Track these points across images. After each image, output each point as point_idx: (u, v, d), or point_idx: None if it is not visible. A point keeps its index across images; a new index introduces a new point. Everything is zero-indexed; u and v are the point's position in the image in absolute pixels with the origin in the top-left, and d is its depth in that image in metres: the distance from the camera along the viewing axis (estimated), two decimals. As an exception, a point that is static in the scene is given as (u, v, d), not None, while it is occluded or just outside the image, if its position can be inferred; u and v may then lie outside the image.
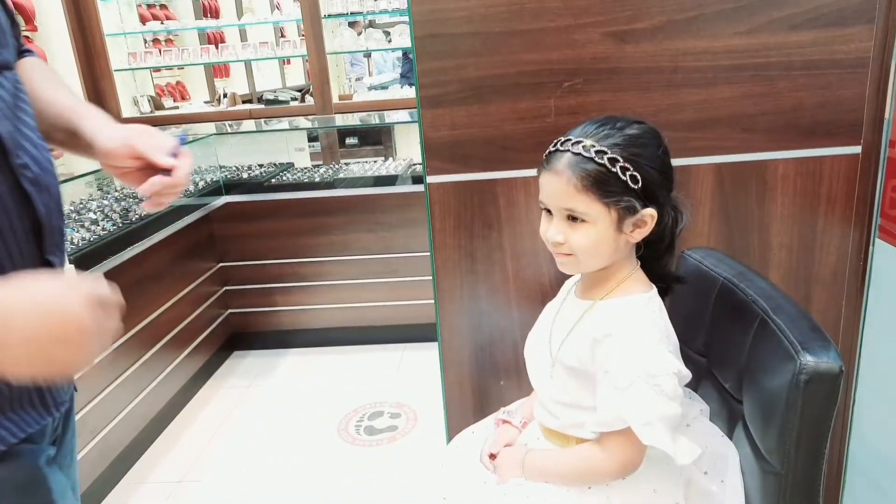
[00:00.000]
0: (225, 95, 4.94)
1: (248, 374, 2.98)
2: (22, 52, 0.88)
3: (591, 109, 1.34)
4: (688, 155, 1.36)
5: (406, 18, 1.37)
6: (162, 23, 4.78)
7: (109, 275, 2.14)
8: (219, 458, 2.36)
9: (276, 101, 4.81)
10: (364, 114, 4.28)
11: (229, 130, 3.79)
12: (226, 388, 2.86)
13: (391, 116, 4.00)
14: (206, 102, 5.16)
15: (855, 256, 1.41)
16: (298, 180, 3.03)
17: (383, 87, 5.49)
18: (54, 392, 0.77)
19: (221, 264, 3.02)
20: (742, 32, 1.29)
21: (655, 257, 1.05)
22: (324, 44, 4.18)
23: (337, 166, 3.37)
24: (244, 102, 5.08)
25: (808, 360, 0.87)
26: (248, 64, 5.43)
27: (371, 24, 5.77)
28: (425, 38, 1.33)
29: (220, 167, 3.23)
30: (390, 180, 2.94)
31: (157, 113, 4.63)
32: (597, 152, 0.94)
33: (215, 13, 5.21)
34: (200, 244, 2.89)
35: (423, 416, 2.53)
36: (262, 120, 4.18)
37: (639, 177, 0.94)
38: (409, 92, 4.52)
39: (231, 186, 2.98)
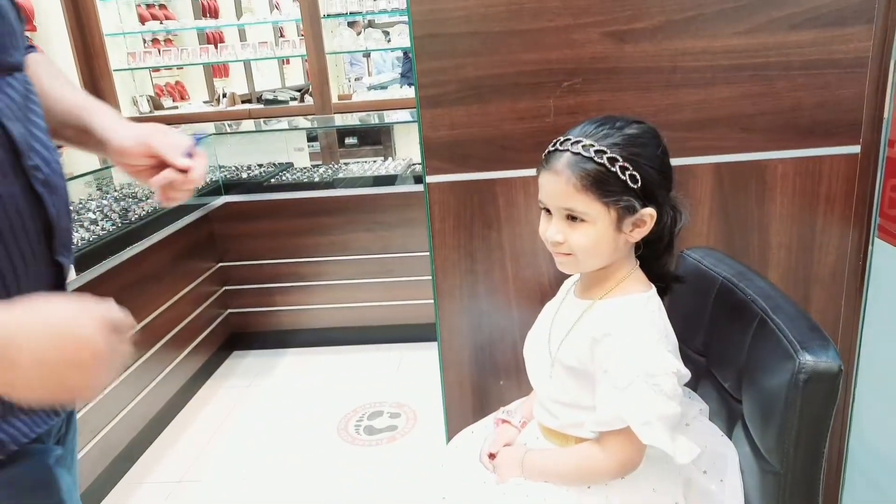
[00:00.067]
0: (224, 95, 4.95)
1: (247, 373, 2.98)
2: (26, 49, 0.88)
3: (590, 109, 1.34)
4: (687, 155, 1.36)
5: (405, 18, 1.37)
6: (161, 23, 4.78)
7: (109, 275, 2.14)
8: (218, 457, 2.36)
9: (275, 101, 4.82)
10: (363, 114, 4.28)
11: (228, 130, 3.79)
12: (225, 388, 2.86)
13: (390, 116, 4.00)
14: (205, 102, 5.17)
15: (854, 256, 1.41)
16: (298, 180, 3.03)
17: (382, 86, 5.49)
18: None
19: (221, 264, 3.02)
20: (741, 32, 1.29)
21: (654, 257, 1.05)
22: (323, 44, 4.18)
23: (336, 166, 3.38)
24: (243, 102, 5.09)
25: (807, 359, 0.87)
26: (247, 64, 5.43)
27: (370, 24, 5.77)
28: (424, 37, 1.33)
29: (220, 167, 3.22)
30: (390, 180, 2.94)
31: (157, 113, 4.63)
32: (596, 152, 0.94)
33: (214, 13, 5.21)
34: (200, 244, 2.89)
35: (423, 415, 2.53)
36: (262, 120, 4.18)
37: (638, 176, 0.94)
38: (409, 92, 4.53)
39: (230, 186, 2.98)
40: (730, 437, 1.07)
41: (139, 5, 4.72)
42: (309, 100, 4.51)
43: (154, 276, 2.51)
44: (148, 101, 4.66)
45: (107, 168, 2.91)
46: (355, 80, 5.84)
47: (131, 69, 4.55)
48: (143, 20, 4.69)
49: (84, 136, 0.86)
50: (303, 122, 4.09)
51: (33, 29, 3.77)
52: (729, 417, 1.10)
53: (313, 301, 3.05)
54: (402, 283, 2.98)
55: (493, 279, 1.48)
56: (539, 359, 1.11)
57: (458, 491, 1.12)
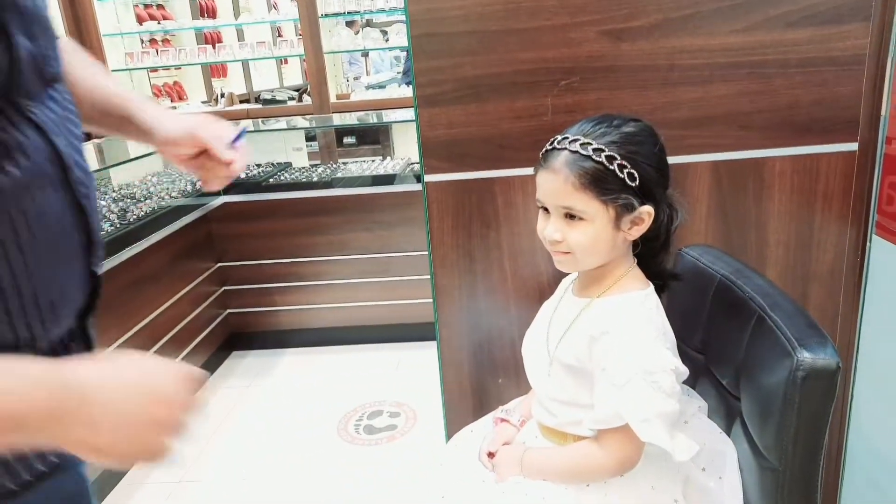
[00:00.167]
0: (222, 95, 4.94)
1: (247, 373, 2.98)
2: None
3: (587, 108, 1.34)
4: (684, 153, 1.36)
5: (403, 17, 1.37)
6: (159, 23, 4.77)
7: (108, 275, 2.12)
8: (218, 457, 2.36)
9: (273, 101, 4.82)
10: (362, 113, 4.28)
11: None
12: (225, 388, 2.86)
13: (389, 116, 4.00)
14: (203, 102, 5.16)
15: (852, 253, 1.42)
16: (296, 180, 3.03)
17: (381, 86, 5.49)
18: None
19: (220, 264, 3.02)
20: (738, 30, 1.29)
21: (652, 255, 1.05)
22: (321, 43, 4.18)
23: (335, 166, 3.37)
24: (241, 102, 5.08)
25: (806, 356, 0.88)
26: (245, 64, 5.42)
27: (368, 24, 5.77)
28: (422, 37, 1.33)
29: (218, 167, 3.22)
30: (388, 180, 2.94)
31: (155, 113, 4.62)
32: (594, 150, 0.94)
33: (212, 13, 5.20)
34: (199, 244, 2.89)
35: (423, 415, 2.53)
36: (260, 120, 4.17)
37: (636, 174, 0.95)
38: (407, 91, 4.52)
39: (229, 186, 2.98)
40: (728, 435, 1.07)
41: (137, 5, 4.72)
42: (307, 99, 4.51)
43: (153, 277, 2.51)
44: (146, 101, 4.64)
45: (105, 168, 2.91)
46: (354, 79, 5.84)
47: (129, 69, 4.55)
48: (140, 20, 4.68)
49: (126, 125, 0.88)
50: (301, 121, 4.09)
51: (31, 30, 3.76)
52: (727, 415, 1.10)
53: (312, 301, 3.05)
54: (401, 283, 2.98)
55: (492, 278, 1.48)
56: (537, 357, 1.11)
57: (458, 490, 1.12)
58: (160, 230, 2.49)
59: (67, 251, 0.64)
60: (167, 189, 2.85)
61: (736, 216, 1.41)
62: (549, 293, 1.21)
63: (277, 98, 4.85)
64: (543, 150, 1.01)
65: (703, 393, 1.16)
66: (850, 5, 1.26)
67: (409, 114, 3.57)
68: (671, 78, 1.32)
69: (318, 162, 3.83)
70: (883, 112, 1.31)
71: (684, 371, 1.01)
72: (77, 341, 0.68)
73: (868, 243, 1.38)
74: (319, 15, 4.19)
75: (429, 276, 1.50)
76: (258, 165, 3.33)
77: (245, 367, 3.05)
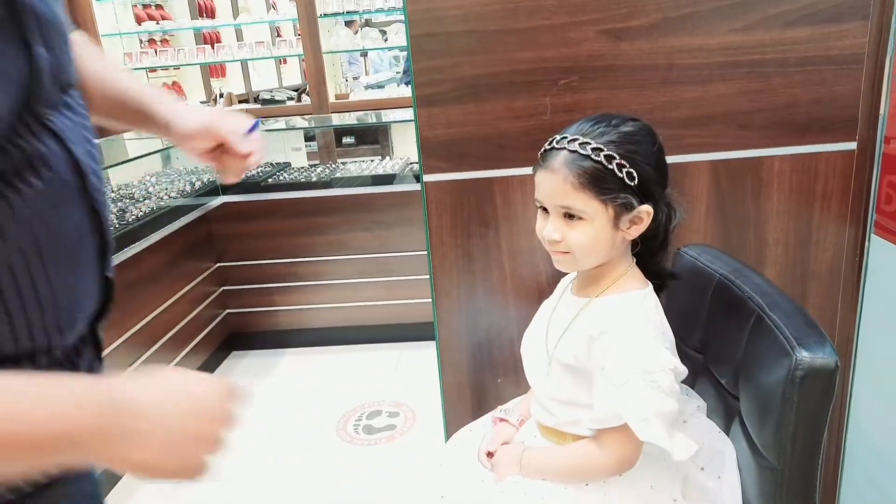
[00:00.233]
0: (221, 95, 4.94)
1: (246, 373, 2.98)
2: None
3: (586, 107, 1.34)
4: (683, 152, 1.36)
5: (402, 17, 1.37)
6: (157, 23, 4.77)
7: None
8: (218, 457, 2.36)
9: (272, 101, 4.82)
10: (361, 113, 4.28)
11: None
12: (224, 389, 2.85)
13: (388, 115, 4.00)
14: (202, 102, 5.17)
15: (851, 252, 1.42)
16: (295, 180, 3.03)
17: (380, 85, 5.49)
18: None
19: (219, 264, 3.01)
20: (737, 29, 1.29)
21: (650, 254, 1.05)
22: (320, 43, 4.18)
23: (334, 166, 3.37)
24: (240, 102, 5.09)
25: (804, 355, 0.88)
26: (244, 64, 5.42)
27: (367, 23, 5.77)
28: (421, 36, 1.33)
29: (217, 167, 3.22)
30: (387, 179, 2.94)
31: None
32: (593, 149, 0.94)
33: (211, 13, 5.20)
34: (198, 244, 2.89)
35: (422, 414, 2.53)
36: (259, 120, 4.17)
37: (635, 173, 0.95)
38: (406, 91, 4.53)
39: (228, 186, 2.98)
40: (727, 434, 1.07)
41: (135, 5, 4.71)
42: (306, 99, 4.50)
43: (152, 277, 2.51)
44: (145, 101, 4.64)
45: (104, 169, 2.90)
46: (353, 79, 5.84)
47: (128, 70, 4.54)
48: (139, 20, 4.68)
49: (142, 119, 0.89)
50: (300, 121, 4.09)
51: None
52: (726, 414, 1.10)
53: (312, 301, 3.05)
54: (400, 283, 2.98)
55: (491, 278, 1.48)
56: (536, 357, 1.11)
57: (457, 490, 1.12)
58: (159, 230, 2.49)
59: (84, 258, 0.64)
60: (166, 189, 2.85)
61: (735, 215, 1.41)
62: (548, 293, 1.21)
63: (276, 98, 4.85)
64: (542, 149, 1.01)
65: (701, 392, 1.16)
66: (849, 4, 1.27)
67: (408, 113, 3.57)
68: (670, 77, 1.33)
69: (317, 162, 3.83)
70: (881, 111, 1.31)
71: (683, 370, 1.01)
72: (88, 345, 0.68)
73: (867, 242, 1.38)
74: (318, 15, 4.18)
75: (428, 276, 1.50)
76: (257, 165, 3.32)
77: (244, 367, 3.05)
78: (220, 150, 0.91)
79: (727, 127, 1.35)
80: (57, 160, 0.57)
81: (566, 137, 0.97)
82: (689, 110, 1.34)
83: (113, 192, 2.83)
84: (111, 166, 2.90)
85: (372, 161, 3.37)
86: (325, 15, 4.37)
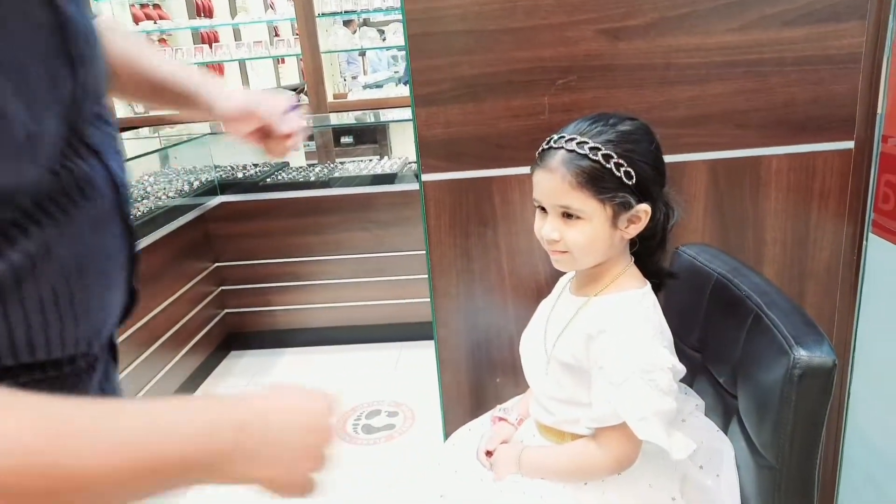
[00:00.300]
0: (219, 95, 4.92)
1: (245, 373, 2.98)
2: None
3: (584, 106, 1.35)
4: (681, 151, 1.36)
5: (400, 16, 1.37)
6: (155, 22, 4.77)
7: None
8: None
9: (270, 101, 4.79)
10: (359, 112, 4.28)
11: (224, 130, 3.78)
12: (223, 388, 2.86)
13: (386, 115, 4.00)
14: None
15: (849, 251, 1.42)
16: (294, 179, 3.03)
17: (378, 85, 5.49)
18: None
19: (217, 264, 3.01)
20: (734, 29, 1.29)
21: (648, 253, 1.05)
22: (318, 43, 4.18)
23: (332, 165, 3.37)
24: (239, 102, 5.06)
25: (802, 354, 0.88)
26: (242, 63, 5.42)
27: (365, 23, 5.77)
28: (419, 36, 1.33)
29: (215, 167, 3.22)
30: (386, 179, 2.94)
31: (152, 113, 4.62)
32: (590, 149, 0.94)
33: (209, 13, 5.20)
34: (196, 244, 2.89)
35: (421, 414, 2.53)
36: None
37: (633, 173, 0.95)
38: (404, 90, 4.52)
39: (226, 186, 2.98)
40: (725, 433, 1.07)
41: (133, 5, 4.71)
42: (304, 99, 4.50)
43: (150, 277, 2.51)
44: (143, 101, 4.64)
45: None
46: (351, 78, 5.84)
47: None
48: (136, 20, 4.68)
49: (182, 101, 0.92)
50: (298, 121, 4.07)
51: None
52: (724, 413, 1.10)
53: (310, 300, 3.05)
54: (399, 282, 2.98)
55: (489, 277, 1.49)
56: (535, 356, 1.11)
57: (456, 489, 1.12)
58: (157, 230, 2.49)
59: (117, 272, 0.63)
60: (164, 189, 2.84)
61: (733, 214, 1.42)
62: (546, 292, 1.21)
63: (274, 98, 4.82)
64: (540, 149, 1.01)
65: (700, 391, 1.17)
66: (847, 4, 1.27)
67: (407, 113, 3.57)
68: (668, 77, 1.33)
69: (316, 161, 3.83)
70: (879, 110, 1.31)
71: (681, 369, 1.01)
72: (104, 351, 0.68)
73: (864, 241, 1.38)
74: (316, 14, 4.18)
75: (426, 276, 1.50)
76: (255, 165, 3.33)
77: (243, 366, 3.05)
78: (263, 131, 0.94)
79: (725, 126, 1.35)
80: (99, 179, 0.57)
81: (564, 137, 0.97)
82: (687, 110, 1.34)
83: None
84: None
85: (370, 161, 3.37)
86: (323, 14, 4.37)
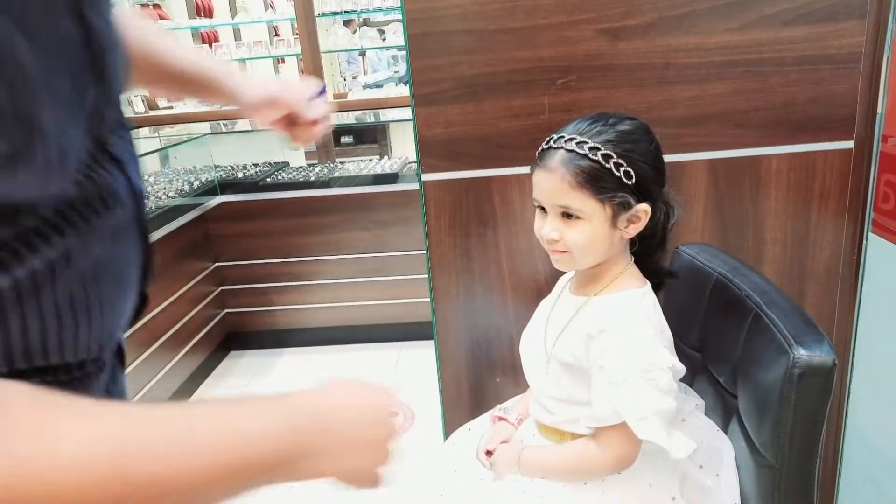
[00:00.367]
0: (219, 95, 4.92)
1: (245, 373, 2.98)
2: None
3: (584, 106, 1.35)
4: (681, 151, 1.36)
5: (400, 16, 1.37)
6: (155, 22, 4.76)
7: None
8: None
9: (270, 101, 4.79)
10: (359, 112, 4.28)
11: (224, 130, 3.78)
12: (223, 388, 2.86)
13: (386, 115, 4.00)
14: (200, 102, 5.15)
15: (848, 251, 1.42)
16: (293, 179, 3.03)
17: (378, 85, 5.49)
18: None
19: (217, 264, 3.01)
20: (734, 28, 1.29)
21: (648, 253, 1.05)
22: (318, 42, 4.18)
23: (332, 165, 3.37)
24: (239, 102, 5.05)
25: (802, 353, 0.88)
26: (242, 63, 5.41)
27: (365, 23, 5.76)
28: (419, 35, 1.33)
29: (215, 167, 3.22)
30: (386, 179, 2.94)
31: (152, 113, 4.62)
32: (590, 149, 0.94)
33: (209, 12, 5.20)
34: (196, 244, 2.89)
35: (421, 414, 2.53)
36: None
37: (632, 172, 0.95)
38: (404, 90, 4.52)
39: (226, 186, 2.98)
40: (725, 432, 1.07)
41: (133, 5, 4.71)
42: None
43: (150, 277, 2.50)
44: (143, 100, 4.64)
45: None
46: (351, 78, 5.84)
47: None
48: (137, 20, 4.67)
49: (205, 91, 0.92)
50: (298, 121, 4.07)
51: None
52: (724, 412, 1.10)
53: (310, 300, 3.05)
54: (399, 282, 2.98)
55: (489, 277, 1.49)
56: (535, 355, 1.11)
57: (456, 488, 1.12)
58: (157, 230, 2.49)
59: (131, 279, 0.64)
60: (164, 189, 2.84)
61: (732, 214, 1.42)
62: (546, 291, 1.21)
63: (274, 97, 4.82)
64: (539, 149, 1.01)
65: (700, 391, 1.17)
66: (846, 3, 1.27)
67: (407, 113, 3.57)
68: (667, 76, 1.33)
69: (316, 161, 3.83)
70: (879, 110, 1.31)
71: (681, 369, 1.01)
72: (114, 355, 0.68)
73: (864, 241, 1.38)
74: (316, 14, 4.18)
75: (426, 276, 1.50)
76: (255, 165, 3.33)
77: (243, 366, 3.05)
78: (289, 118, 0.94)
79: (724, 126, 1.35)
80: (121, 188, 0.57)
81: (563, 137, 0.97)
82: (687, 109, 1.35)
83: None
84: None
85: (370, 160, 3.37)
86: (323, 14, 4.37)
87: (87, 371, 0.59)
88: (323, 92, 0.97)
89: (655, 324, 1.00)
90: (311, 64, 4.20)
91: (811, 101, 1.33)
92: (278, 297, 3.05)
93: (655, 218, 0.99)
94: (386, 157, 3.43)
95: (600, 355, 0.97)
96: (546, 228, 1.00)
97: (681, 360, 1.01)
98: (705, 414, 1.12)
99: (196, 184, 2.94)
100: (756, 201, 1.40)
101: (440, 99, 1.37)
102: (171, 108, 4.95)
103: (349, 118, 4.08)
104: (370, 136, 4.89)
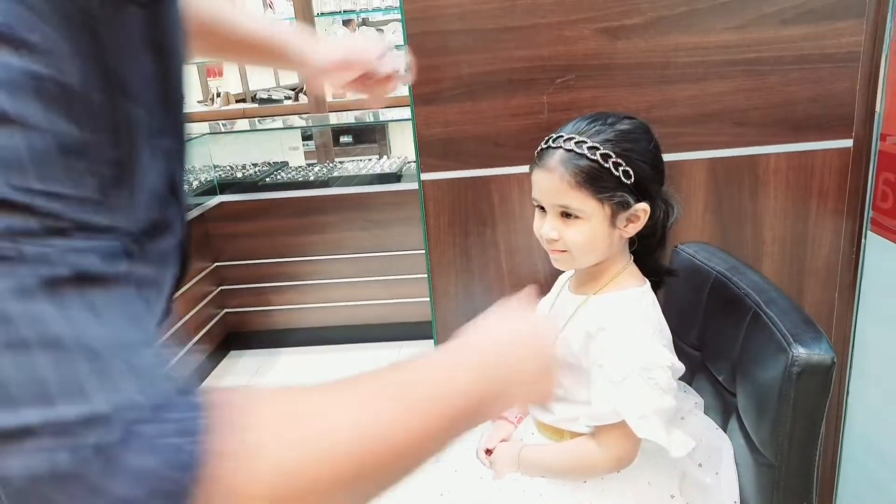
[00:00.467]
0: (218, 95, 4.94)
1: (245, 373, 2.98)
2: None
3: (583, 106, 1.35)
4: (680, 150, 1.37)
5: (399, 16, 1.38)
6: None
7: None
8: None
9: (269, 100, 4.81)
10: (358, 112, 4.27)
11: (223, 130, 3.78)
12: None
13: (385, 114, 3.99)
14: (199, 102, 5.15)
15: (847, 249, 1.42)
16: (293, 179, 3.03)
17: (377, 85, 5.46)
18: None
19: (217, 264, 3.01)
20: (733, 27, 1.29)
21: (648, 252, 1.05)
22: (317, 42, 4.16)
23: (331, 165, 3.37)
24: (238, 102, 5.08)
25: (800, 352, 0.88)
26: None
27: (364, 23, 5.76)
28: (418, 35, 1.33)
29: (215, 167, 3.22)
30: (385, 178, 2.94)
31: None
32: (589, 148, 0.94)
33: (208, 12, 5.18)
34: (196, 244, 2.89)
35: (420, 413, 2.53)
36: (256, 119, 4.17)
37: (631, 172, 0.95)
38: (403, 90, 4.52)
39: (225, 186, 2.98)
40: (724, 431, 1.08)
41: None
42: (303, 98, 4.50)
43: (150, 277, 2.50)
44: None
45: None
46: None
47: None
48: (136, 20, 4.67)
49: (271, 56, 0.93)
50: (297, 120, 4.08)
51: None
52: (723, 411, 1.10)
53: (310, 300, 3.05)
54: (398, 282, 2.98)
55: (489, 276, 1.49)
56: (534, 354, 1.11)
57: (456, 487, 1.12)
58: (157, 230, 2.48)
59: (164, 298, 0.64)
60: (163, 189, 2.84)
61: (732, 213, 1.42)
62: (545, 290, 1.21)
63: (273, 97, 4.84)
64: (538, 148, 1.01)
65: (699, 389, 1.17)
66: (845, 2, 1.27)
67: (406, 112, 3.57)
68: (667, 75, 1.33)
69: (315, 161, 3.83)
70: (877, 109, 1.32)
71: (680, 367, 1.01)
72: None
73: (863, 239, 1.39)
74: (315, 14, 4.18)
75: (425, 275, 1.50)
76: (255, 165, 3.33)
77: (242, 366, 3.05)
78: (362, 77, 0.93)
79: (724, 125, 1.35)
80: (174, 218, 0.58)
81: (562, 136, 0.97)
82: (686, 108, 1.35)
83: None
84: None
85: (369, 160, 3.37)
86: (323, 14, 4.37)
87: None
88: (393, 48, 0.96)
89: (655, 322, 1.01)
90: (310, 63, 4.19)
91: (810, 100, 1.33)
92: (278, 297, 3.05)
93: (655, 217, 0.99)
94: (385, 157, 3.43)
95: (600, 354, 0.98)
96: (545, 228, 1.00)
97: (680, 358, 1.01)
98: (704, 412, 1.12)
99: (195, 183, 2.94)
100: (755, 200, 1.41)
101: (439, 98, 1.37)
102: (170, 107, 4.94)
103: (348, 118, 4.08)
104: (369, 136, 4.89)
